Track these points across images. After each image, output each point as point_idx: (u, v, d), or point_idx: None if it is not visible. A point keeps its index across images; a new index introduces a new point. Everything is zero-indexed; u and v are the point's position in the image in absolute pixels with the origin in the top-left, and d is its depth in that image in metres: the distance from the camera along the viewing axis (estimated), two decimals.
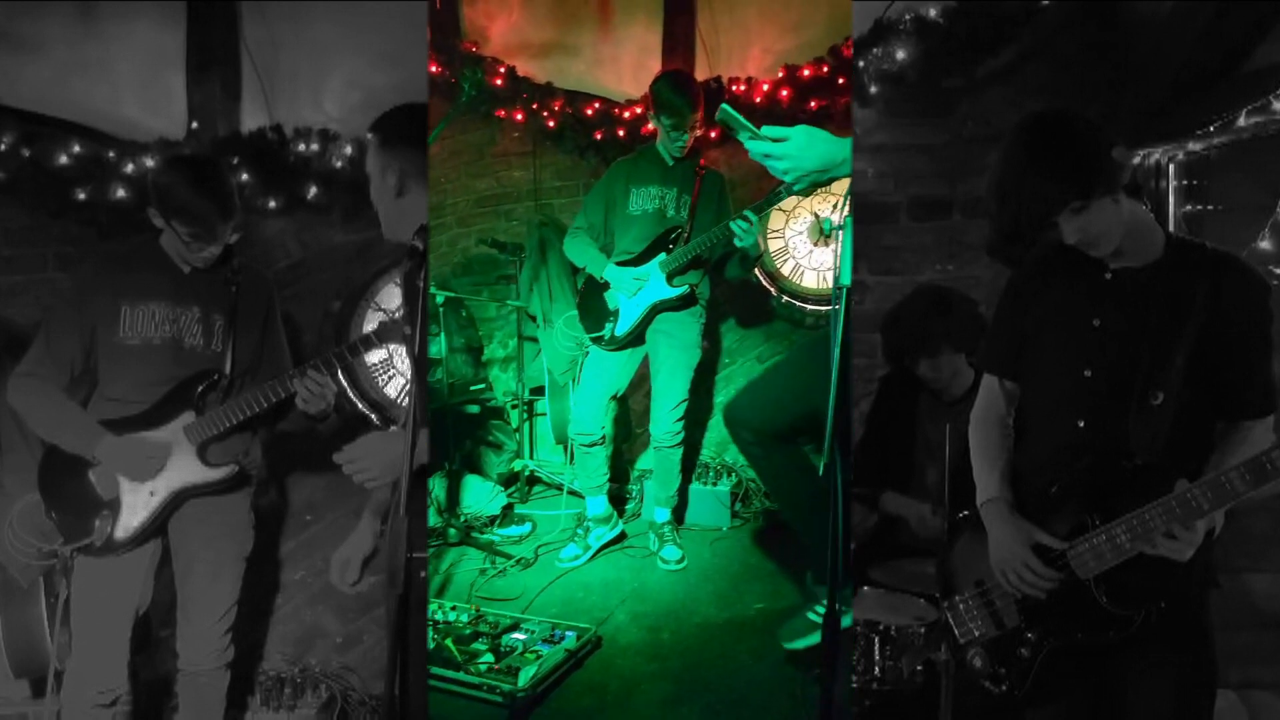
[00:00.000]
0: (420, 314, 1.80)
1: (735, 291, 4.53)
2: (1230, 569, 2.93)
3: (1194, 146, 2.93)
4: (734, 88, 4.34)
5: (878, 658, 2.58)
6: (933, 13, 3.25)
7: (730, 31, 4.64)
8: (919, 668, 2.55)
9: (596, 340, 3.75)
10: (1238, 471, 1.64)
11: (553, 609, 3.31)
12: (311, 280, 3.59)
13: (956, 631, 2.02)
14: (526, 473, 4.60)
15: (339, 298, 3.65)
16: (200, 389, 2.58)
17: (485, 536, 4.02)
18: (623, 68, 4.73)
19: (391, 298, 3.67)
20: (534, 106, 4.58)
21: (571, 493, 4.26)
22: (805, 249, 4.50)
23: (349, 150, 3.45)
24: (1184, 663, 1.85)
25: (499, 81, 4.56)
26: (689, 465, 4.20)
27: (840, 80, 4.09)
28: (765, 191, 3.44)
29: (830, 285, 4.39)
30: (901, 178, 3.43)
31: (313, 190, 3.47)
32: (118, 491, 2.55)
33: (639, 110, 4.44)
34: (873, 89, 3.37)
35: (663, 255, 3.61)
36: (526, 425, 4.80)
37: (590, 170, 4.68)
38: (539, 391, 4.77)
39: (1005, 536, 1.89)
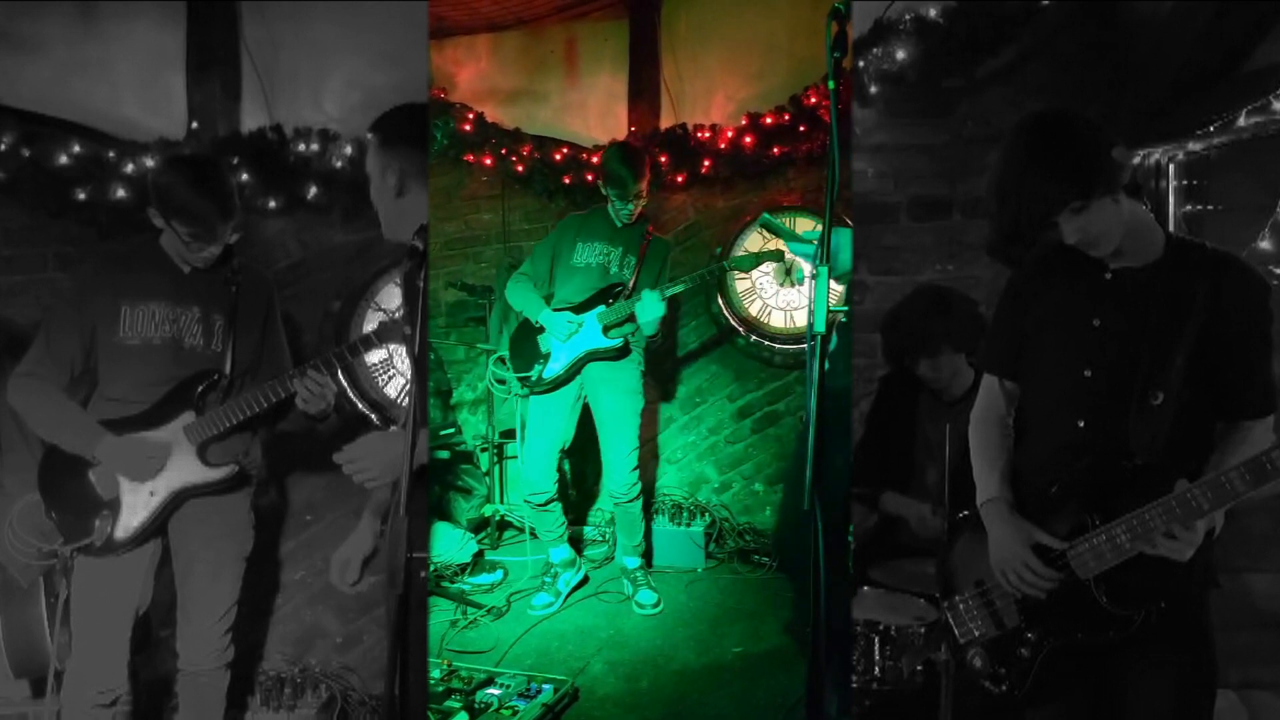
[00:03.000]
0: (420, 314, 1.80)
1: (706, 330, 4.63)
2: (1230, 569, 2.92)
3: (1194, 146, 2.93)
4: (699, 134, 4.47)
5: (878, 658, 2.58)
6: (933, 13, 3.25)
7: (694, 79, 4.79)
8: (919, 668, 2.55)
9: (523, 380, 3.75)
10: (1238, 471, 1.64)
11: (528, 660, 3.27)
12: (311, 280, 3.59)
13: (956, 631, 2.02)
14: (497, 518, 4.52)
15: (339, 298, 3.65)
16: (200, 389, 2.58)
17: (455, 586, 3.93)
18: (590, 114, 4.85)
19: (391, 298, 3.67)
20: (503, 151, 4.65)
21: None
22: (772, 290, 4.57)
23: (349, 150, 3.45)
24: (1184, 663, 1.85)
25: (467, 127, 4.65)
26: (647, 506, 4.18)
27: (801, 128, 4.28)
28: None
29: (797, 325, 4.49)
30: (901, 178, 3.43)
31: (313, 190, 3.47)
32: (118, 491, 2.55)
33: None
34: (873, 89, 3.37)
35: (602, 308, 3.64)
36: (496, 469, 4.73)
37: (558, 213, 4.73)
38: (509, 435, 4.70)
39: (1005, 536, 1.89)
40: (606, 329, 3.63)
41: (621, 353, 3.66)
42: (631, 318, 3.62)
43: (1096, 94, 3.20)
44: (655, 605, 3.66)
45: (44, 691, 2.90)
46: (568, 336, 3.63)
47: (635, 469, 3.74)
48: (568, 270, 3.72)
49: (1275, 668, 3.02)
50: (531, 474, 3.75)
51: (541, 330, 3.70)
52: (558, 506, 3.83)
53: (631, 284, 3.66)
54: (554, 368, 3.68)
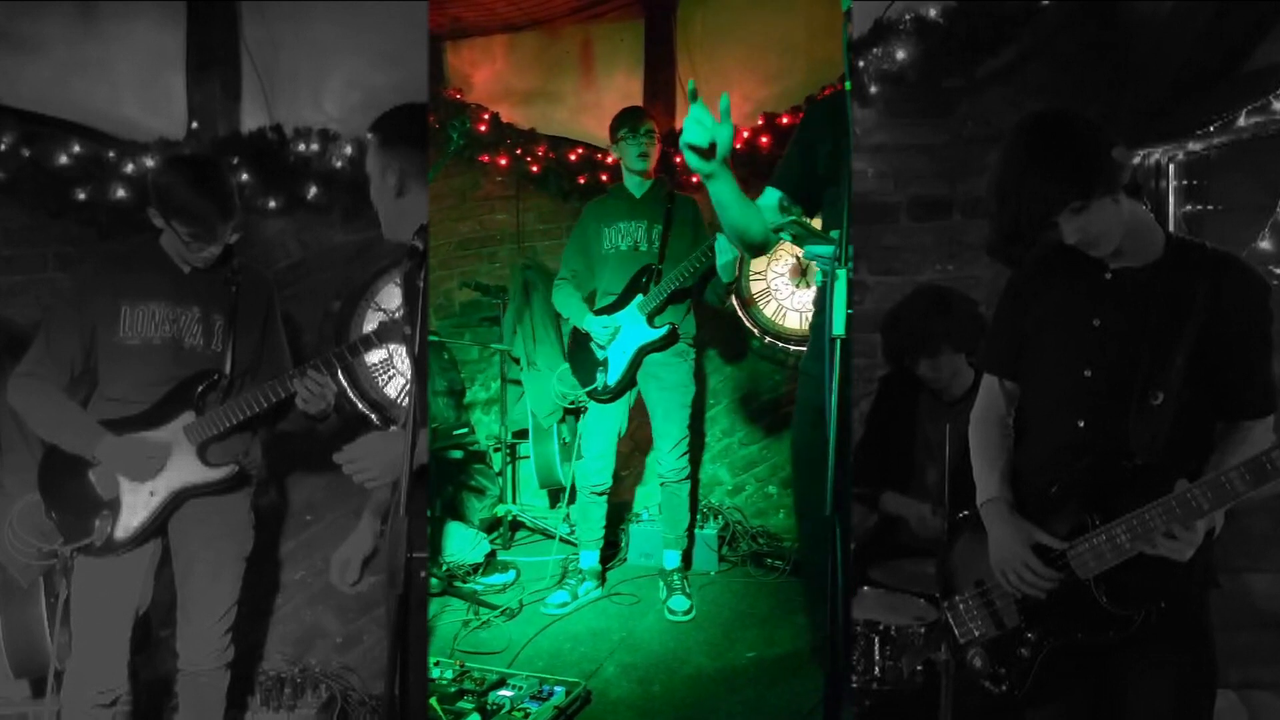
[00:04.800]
0: (420, 314, 1.81)
1: (717, 332, 4.58)
2: (1230, 569, 2.92)
3: (1194, 146, 2.93)
4: None
5: (878, 658, 2.58)
6: (933, 13, 3.25)
7: (710, 80, 4.78)
8: (919, 668, 2.55)
9: (592, 394, 3.76)
10: (1238, 471, 1.64)
11: (540, 662, 3.26)
12: (311, 280, 3.59)
13: (956, 631, 2.02)
14: (510, 518, 4.52)
15: (339, 298, 3.65)
16: (200, 389, 2.58)
17: (468, 586, 3.94)
18: (605, 115, 4.84)
19: (391, 298, 3.67)
20: (518, 152, 4.66)
21: (564, 540, 4.20)
22: (787, 290, 4.55)
23: (349, 150, 3.45)
24: (1184, 663, 1.85)
25: (483, 128, 4.66)
26: (694, 504, 4.16)
27: None
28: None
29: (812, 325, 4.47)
30: (901, 178, 3.43)
31: (313, 190, 3.47)
32: (118, 491, 2.55)
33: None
34: (873, 89, 3.37)
35: (640, 297, 3.62)
36: (509, 469, 4.75)
37: (573, 213, 4.72)
38: (522, 435, 4.73)
39: (1005, 536, 1.89)
40: (650, 317, 3.62)
41: (670, 339, 3.65)
42: (675, 295, 3.61)
43: (1096, 94, 3.20)
44: (687, 612, 3.62)
45: (44, 691, 2.90)
46: (608, 340, 3.63)
47: (684, 455, 3.76)
48: (600, 260, 3.73)
49: (1275, 668, 3.02)
50: (592, 466, 3.80)
51: (591, 337, 3.72)
52: (607, 501, 3.85)
53: (660, 258, 3.63)
54: (614, 374, 3.69)
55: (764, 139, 4.33)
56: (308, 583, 3.56)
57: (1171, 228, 2.92)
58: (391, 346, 3.65)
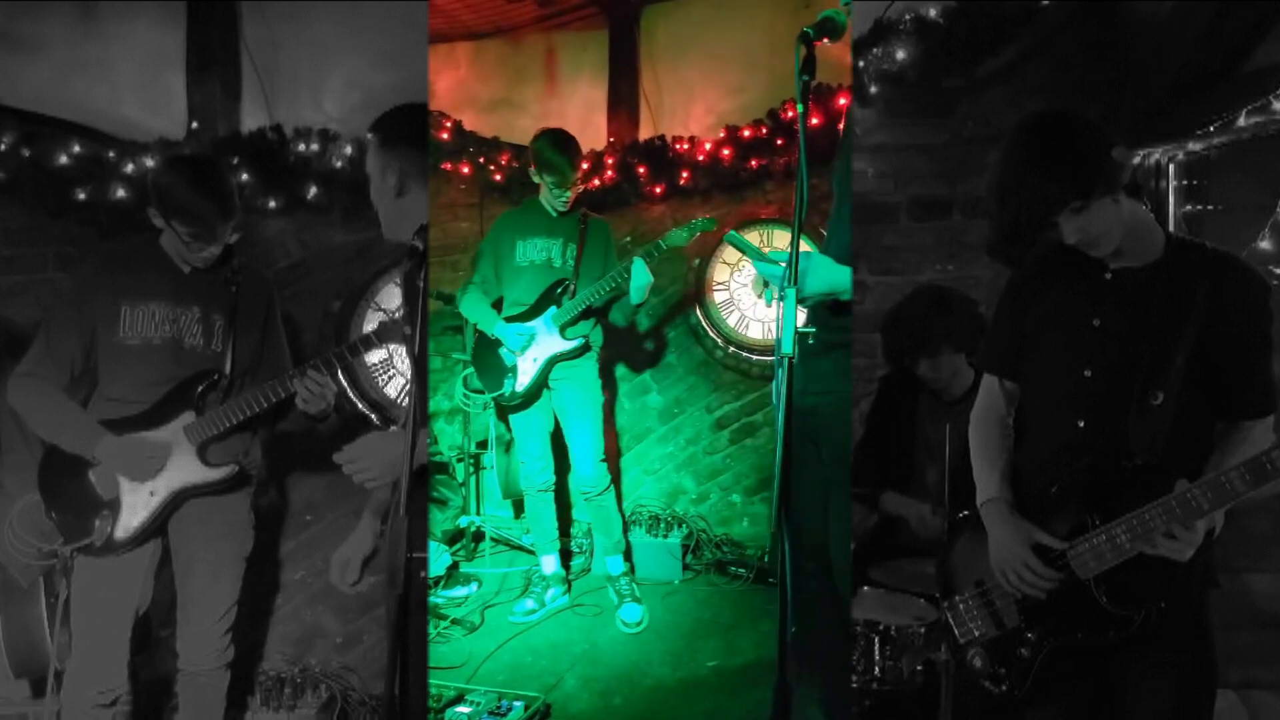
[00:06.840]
0: (420, 314, 1.81)
1: (684, 341, 4.58)
2: (1230, 569, 2.93)
3: (1194, 146, 2.94)
4: (677, 146, 4.43)
5: (878, 658, 2.58)
6: (933, 13, 3.25)
7: (673, 91, 4.79)
8: (919, 668, 2.55)
9: (498, 399, 3.74)
10: (1238, 471, 1.64)
11: (500, 675, 3.22)
12: (311, 280, 3.59)
13: (956, 631, 2.02)
14: (473, 529, 4.46)
15: (339, 298, 3.65)
16: (200, 389, 2.58)
17: (430, 599, 3.84)
18: (569, 124, 4.81)
19: (391, 298, 3.67)
20: (480, 160, 4.63)
21: (529, 550, 4.17)
22: (750, 301, 4.53)
23: (349, 150, 3.45)
24: (1184, 663, 1.85)
25: (445, 135, 4.62)
26: (620, 506, 4.10)
27: (779, 141, 4.26)
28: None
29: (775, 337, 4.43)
30: (901, 178, 3.43)
31: (313, 190, 3.47)
32: (118, 491, 2.55)
33: (585, 166, 4.50)
34: (873, 89, 3.37)
35: (553, 309, 3.62)
36: (472, 480, 4.69)
37: None
38: (485, 445, 4.67)
39: (1005, 536, 1.89)
40: (563, 329, 3.62)
41: (582, 351, 3.65)
42: (587, 311, 3.61)
43: (1096, 94, 3.20)
44: (639, 623, 3.59)
45: (44, 691, 2.90)
46: (522, 349, 3.63)
47: (602, 461, 3.73)
48: (512, 271, 3.69)
49: (1275, 668, 3.02)
50: (534, 466, 3.78)
51: (500, 342, 3.69)
52: (552, 497, 3.84)
53: (575, 275, 3.64)
54: (524, 381, 3.66)
55: (726, 151, 4.30)
56: (308, 583, 3.56)
57: (1171, 228, 2.92)
58: (391, 346, 3.65)
